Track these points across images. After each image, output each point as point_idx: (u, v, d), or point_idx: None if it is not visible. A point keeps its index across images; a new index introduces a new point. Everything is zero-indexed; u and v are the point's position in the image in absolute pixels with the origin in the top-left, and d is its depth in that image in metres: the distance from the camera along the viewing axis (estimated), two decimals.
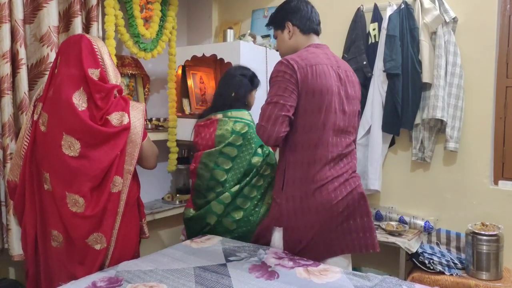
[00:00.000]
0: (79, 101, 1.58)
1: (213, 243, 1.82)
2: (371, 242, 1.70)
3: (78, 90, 1.60)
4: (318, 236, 1.67)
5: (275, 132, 1.58)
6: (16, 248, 1.87)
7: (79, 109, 1.57)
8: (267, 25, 1.91)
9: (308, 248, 1.68)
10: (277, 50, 1.94)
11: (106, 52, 1.71)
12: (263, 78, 2.70)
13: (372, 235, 1.71)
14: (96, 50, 1.66)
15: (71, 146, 1.57)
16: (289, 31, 1.77)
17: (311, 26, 1.78)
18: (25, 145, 1.67)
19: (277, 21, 1.81)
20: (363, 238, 1.70)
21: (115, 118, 1.62)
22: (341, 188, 1.65)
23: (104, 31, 2.23)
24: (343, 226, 1.68)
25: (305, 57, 1.65)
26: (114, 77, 1.69)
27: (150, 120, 2.71)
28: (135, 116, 1.68)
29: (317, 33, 1.82)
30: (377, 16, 2.42)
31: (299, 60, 1.63)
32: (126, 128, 1.63)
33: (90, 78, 1.60)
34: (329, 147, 1.65)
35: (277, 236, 1.74)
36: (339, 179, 1.65)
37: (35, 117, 1.66)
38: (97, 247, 1.61)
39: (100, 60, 1.66)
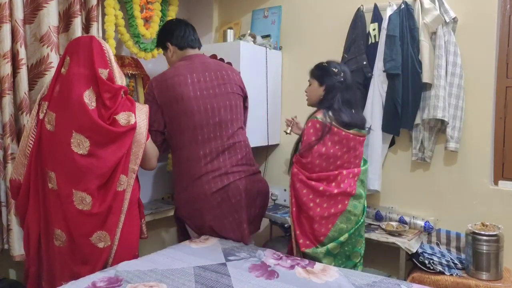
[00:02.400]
0: (89, 100, 1.62)
1: (213, 243, 1.82)
2: (246, 233, 1.93)
3: (88, 90, 1.63)
4: (206, 223, 1.92)
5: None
6: (17, 248, 1.87)
7: (90, 108, 1.59)
8: (156, 47, 2.26)
9: (207, 233, 1.94)
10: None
11: (112, 54, 1.74)
12: (263, 79, 2.71)
13: (251, 226, 1.99)
14: (105, 51, 1.71)
15: (80, 144, 1.59)
16: (170, 50, 2.06)
17: (186, 43, 2.05)
18: (30, 144, 1.69)
19: (161, 43, 2.11)
20: (244, 229, 1.93)
21: (122, 118, 1.65)
22: (216, 180, 1.88)
23: (104, 31, 2.24)
24: (228, 219, 1.92)
25: (165, 73, 1.97)
26: (120, 78, 1.73)
27: None
28: (140, 116, 1.72)
29: (192, 47, 2.07)
30: (377, 16, 2.41)
31: (159, 78, 1.96)
32: (133, 128, 1.67)
33: (100, 77, 1.64)
34: (201, 144, 1.90)
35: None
36: (214, 173, 1.89)
37: (41, 116, 1.67)
38: (101, 245, 1.63)
39: (108, 61, 1.69)
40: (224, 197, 1.90)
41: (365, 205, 1.97)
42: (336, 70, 1.92)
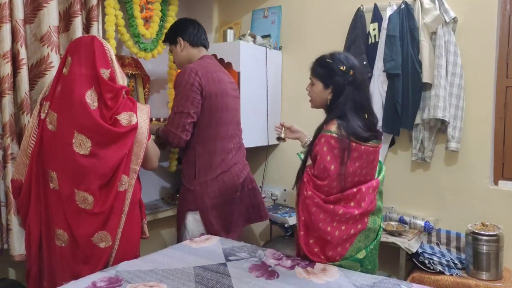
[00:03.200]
0: (91, 100, 1.62)
1: (213, 243, 1.82)
2: (264, 213, 2.23)
3: (90, 90, 1.63)
4: (229, 214, 2.07)
5: (184, 137, 1.97)
6: (17, 248, 1.87)
7: (91, 108, 1.59)
8: (164, 41, 2.28)
9: (228, 225, 2.07)
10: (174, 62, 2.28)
11: (113, 54, 1.74)
12: (263, 79, 2.71)
13: (263, 207, 2.23)
14: (106, 51, 1.71)
15: (82, 145, 1.59)
16: (181, 45, 2.13)
17: (199, 41, 2.15)
18: (31, 143, 1.69)
19: (170, 37, 2.17)
20: (258, 210, 2.20)
21: (124, 118, 1.65)
22: (241, 170, 2.11)
23: (104, 31, 2.23)
24: (243, 203, 2.13)
25: (205, 66, 2.04)
26: (121, 78, 1.73)
27: (151, 120, 2.70)
28: (141, 117, 1.72)
29: (205, 46, 2.19)
30: (377, 16, 2.42)
31: (202, 69, 2.00)
32: (134, 128, 1.67)
33: (102, 77, 1.64)
34: (230, 139, 2.09)
35: (191, 219, 2.04)
36: (238, 165, 2.11)
37: (42, 116, 1.68)
38: (102, 245, 1.63)
39: (110, 61, 1.70)
40: (244, 185, 2.12)
41: (382, 217, 1.76)
42: (344, 68, 1.63)
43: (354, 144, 1.58)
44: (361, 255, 1.64)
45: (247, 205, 2.17)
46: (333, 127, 1.60)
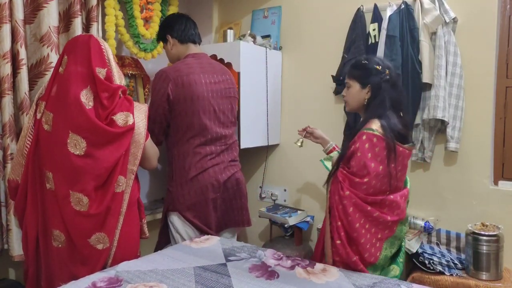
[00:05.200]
0: (86, 99, 1.60)
1: (213, 243, 1.82)
2: (246, 219, 2.17)
3: (86, 89, 1.62)
4: (208, 214, 2.03)
5: (155, 140, 1.98)
6: (16, 248, 1.87)
7: (87, 108, 1.58)
8: (157, 40, 2.33)
9: (209, 225, 2.03)
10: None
11: (111, 54, 1.73)
12: (263, 79, 2.71)
13: (247, 213, 2.18)
14: (103, 50, 1.69)
15: (76, 145, 1.58)
16: (170, 43, 2.14)
17: (186, 36, 2.12)
18: (27, 144, 1.68)
19: (161, 36, 2.18)
20: (240, 215, 2.15)
21: (120, 118, 1.64)
22: (221, 172, 2.05)
23: (104, 31, 2.24)
24: (226, 205, 2.09)
25: (180, 69, 2.01)
26: (119, 78, 1.72)
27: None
28: (138, 116, 1.71)
29: (194, 42, 2.15)
30: (377, 16, 2.41)
31: (174, 73, 1.99)
32: (131, 129, 1.66)
33: (97, 76, 1.62)
34: (211, 142, 2.03)
35: (175, 219, 2.06)
36: (219, 166, 2.06)
37: (38, 116, 1.67)
38: (99, 246, 1.62)
39: (107, 60, 1.68)
40: (227, 186, 2.08)
41: (408, 226, 1.79)
42: (380, 68, 1.68)
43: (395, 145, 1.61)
44: (396, 271, 1.70)
45: (231, 206, 2.12)
46: (374, 126, 1.62)
